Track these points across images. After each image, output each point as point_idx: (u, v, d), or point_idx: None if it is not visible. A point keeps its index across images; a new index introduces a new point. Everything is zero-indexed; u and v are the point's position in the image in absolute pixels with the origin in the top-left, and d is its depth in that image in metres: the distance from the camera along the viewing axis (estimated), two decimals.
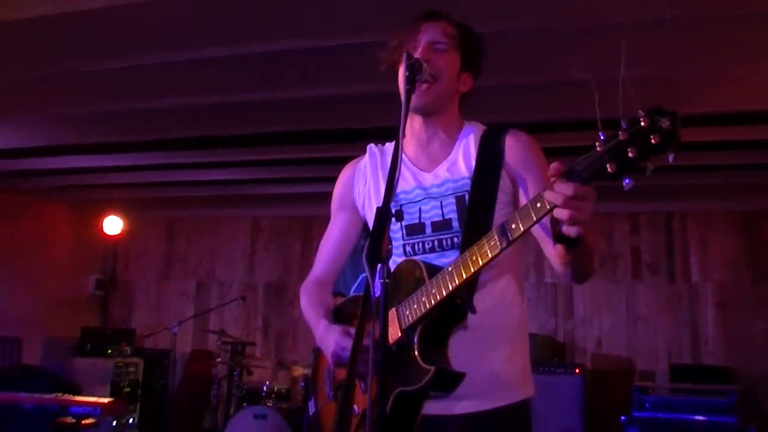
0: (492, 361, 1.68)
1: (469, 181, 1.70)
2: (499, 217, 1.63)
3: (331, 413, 1.79)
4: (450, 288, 1.50)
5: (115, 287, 8.71)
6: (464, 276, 1.48)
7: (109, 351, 7.31)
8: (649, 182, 5.91)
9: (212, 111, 4.71)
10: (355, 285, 4.64)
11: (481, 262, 1.45)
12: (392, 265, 1.67)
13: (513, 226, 1.39)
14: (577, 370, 5.67)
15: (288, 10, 3.30)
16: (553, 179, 1.28)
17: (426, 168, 1.78)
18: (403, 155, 1.76)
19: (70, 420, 4.21)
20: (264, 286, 8.12)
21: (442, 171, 1.75)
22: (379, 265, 1.37)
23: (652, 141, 1.14)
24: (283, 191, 7.12)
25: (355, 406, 1.67)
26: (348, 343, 1.64)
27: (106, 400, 4.42)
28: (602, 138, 1.22)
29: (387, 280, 1.39)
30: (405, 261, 1.70)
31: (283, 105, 4.53)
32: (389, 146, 1.92)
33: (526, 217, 1.36)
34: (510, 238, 1.40)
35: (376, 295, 1.39)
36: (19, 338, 7.03)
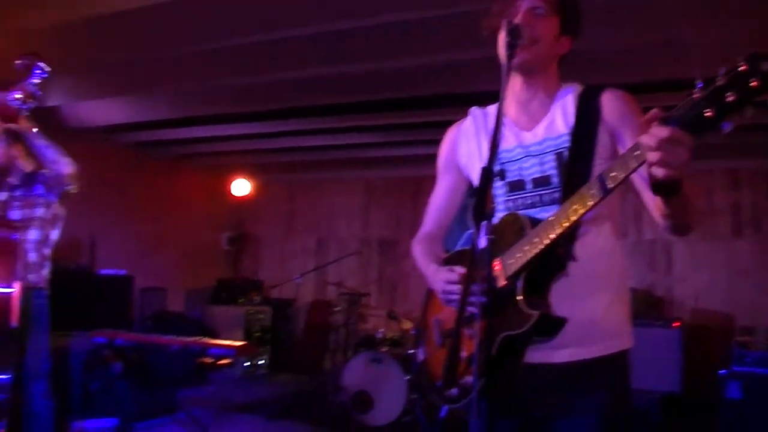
0: (592, 309, 1.66)
1: (568, 138, 1.70)
2: (598, 171, 1.57)
3: (439, 359, 1.78)
4: (551, 237, 1.51)
5: (244, 243, 9.28)
6: (564, 225, 1.49)
7: (241, 300, 7.80)
8: (750, 138, 5.61)
9: (328, 81, 4.95)
10: (462, 241, 4.61)
11: (580, 212, 1.46)
12: (496, 220, 1.66)
13: (612, 174, 1.40)
14: (675, 324, 5.49)
15: None
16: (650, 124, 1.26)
17: (526, 127, 1.78)
18: (504, 116, 1.75)
19: (209, 360, 4.61)
20: (377, 241, 8.37)
21: (541, 129, 1.75)
22: (484, 222, 1.39)
23: (752, 84, 1.11)
24: (394, 154, 7.29)
25: (463, 352, 1.66)
26: (455, 278, 1.68)
27: (239, 343, 4.52)
28: (699, 85, 1.19)
29: (492, 236, 1.39)
30: (508, 214, 1.70)
31: (392, 74, 4.70)
32: (491, 108, 1.93)
33: (624, 166, 1.37)
34: (608, 187, 1.40)
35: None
36: (164, 288, 7.70)
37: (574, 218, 1.48)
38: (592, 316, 1.66)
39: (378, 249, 8.35)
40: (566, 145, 1.69)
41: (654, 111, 1.27)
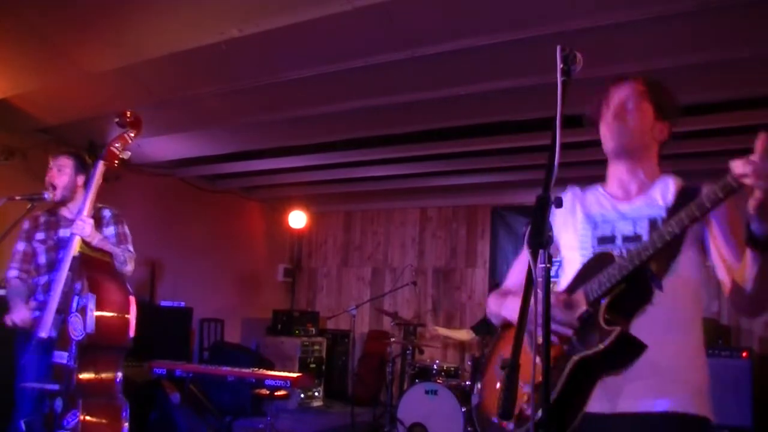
0: (669, 356, 1.63)
1: (664, 210, 1.74)
2: (685, 247, 1.67)
3: (495, 396, 1.76)
4: (642, 258, 1.56)
5: (300, 274, 9.39)
6: (659, 244, 1.54)
7: (297, 331, 7.86)
8: None
9: (383, 112, 5.03)
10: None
11: (677, 231, 1.53)
12: (584, 260, 1.78)
13: (704, 200, 1.49)
14: (744, 354, 5.27)
15: (456, 14, 3.50)
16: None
17: (624, 200, 1.86)
18: (603, 191, 1.91)
19: (265, 391, 4.44)
20: (433, 271, 8.34)
21: (640, 201, 1.82)
22: (541, 251, 1.39)
23: None
24: (448, 183, 7.30)
25: (524, 385, 1.64)
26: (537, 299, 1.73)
27: (295, 374, 4.46)
28: None
29: (548, 265, 1.40)
30: (598, 252, 1.77)
31: (446, 103, 4.73)
32: (587, 191, 2.00)
33: (713, 193, 1.47)
34: (695, 214, 1.49)
35: (538, 278, 1.40)
36: (221, 319, 7.87)
37: (668, 238, 1.54)
38: (669, 363, 1.62)
39: (433, 279, 8.33)
40: (662, 215, 1.73)
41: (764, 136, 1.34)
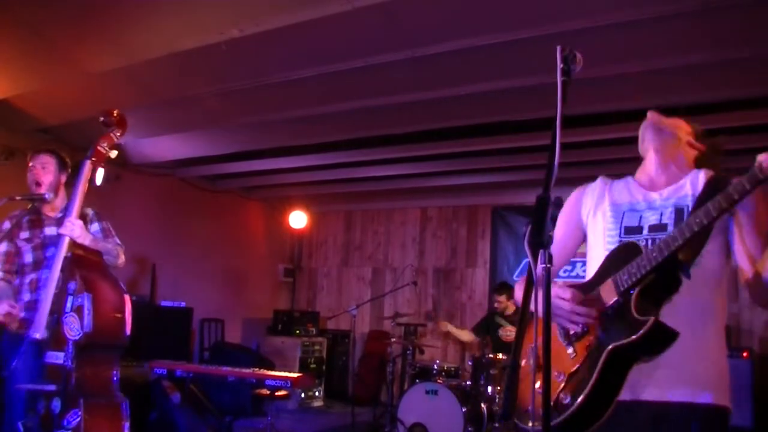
0: (692, 347, 1.65)
1: (692, 199, 1.78)
2: (711, 238, 1.69)
3: (528, 385, 1.79)
4: (673, 247, 1.59)
5: (301, 274, 9.40)
6: (687, 234, 1.57)
7: (297, 331, 7.86)
8: None
9: (381, 112, 5.03)
10: (518, 270, 4.49)
11: (705, 221, 1.55)
12: (611, 248, 1.82)
13: (731, 191, 1.51)
14: (745, 354, 5.31)
15: (456, 14, 3.50)
16: None
17: (653, 189, 1.91)
18: (633, 181, 1.97)
19: (266, 391, 4.48)
20: (433, 271, 8.34)
21: (669, 191, 1.87)
22: (541, 251, 1.40)
23: None
24: (448, 183, 7.31)
25: (559, 374, 1.72)
26: (567, 295, 1.74)
27: (295, 374, 4.46)
28: None
29: (549, 265, 1.40)
30: (623, 242, 1.80)
31: (446, 103, 4.73)
32: (617, 181, 2.04)
33: (741, 184, 1.50)
34: (735, 198, 1.52)
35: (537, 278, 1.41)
36: (222, 319, 7.88)
37: (696, 229, 1.56)
38: (691, 354, 1.66)
39: (433, 279, 8.33)
40: (688, 203, 1.78)
41: None
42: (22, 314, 3.12)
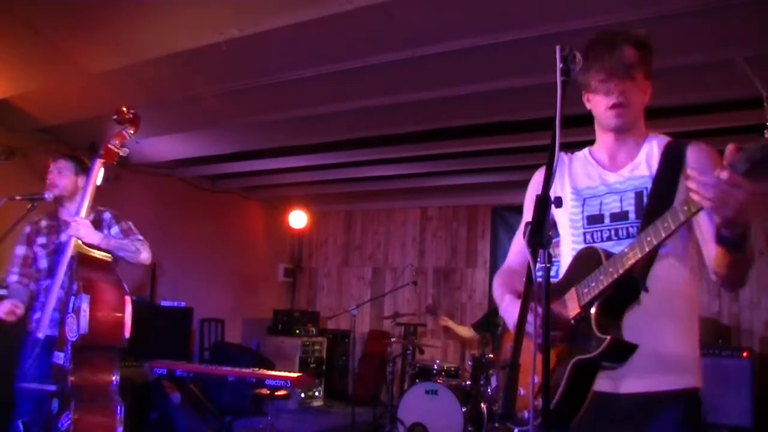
0: (662, 341, 1.69)
1: (649, 180, 1.77)
2: (668, 243, 1.67)
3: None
4: (627, 266, 1.58)
5: (301, 274, 9.40)
6: (638, 255, 1.56)
7: (297, 331, 7.86)
8: None
9: (381, 112, 5.03)
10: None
11: (654, 242, 1.54)
12: (573, 252, 1.82)
13: (685, 208, 1.47)
14: (744, 354, 5.28)
15: (456, 14, 3.51)
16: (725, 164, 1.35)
17: (611, 169, 1.88)
18: (591, 158, 1.93)
19: (265, 391, 4.53)
20: (433, 271, 8.34)
21: (626, 172, 1.84)
22: (541, 251, 1.41)
23: None
24: (448, 183, 7.31)
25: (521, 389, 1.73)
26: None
27: (295, 374, 4.48)
28: None
29: (548, 265, 1.41)
30: (585, 248, 1.79)
31: (446, 103, 4.73)
32: (578, 154, 2.01)
33: (686, 204, 1.46)
34: (681, 219, 1.48)
35: (538, 279, 1.42)
36: (222, 319, 7.88)
37: (648, 248, 1.55)
38: (661, 348, 1.69)
39: (433, 279, 8.33)
40: (647, 185, 1.78)
41: (731, 148, 1.35)
42: (36, 315, 3.14)
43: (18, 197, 3.32)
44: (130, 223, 3.43)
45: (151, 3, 3.65)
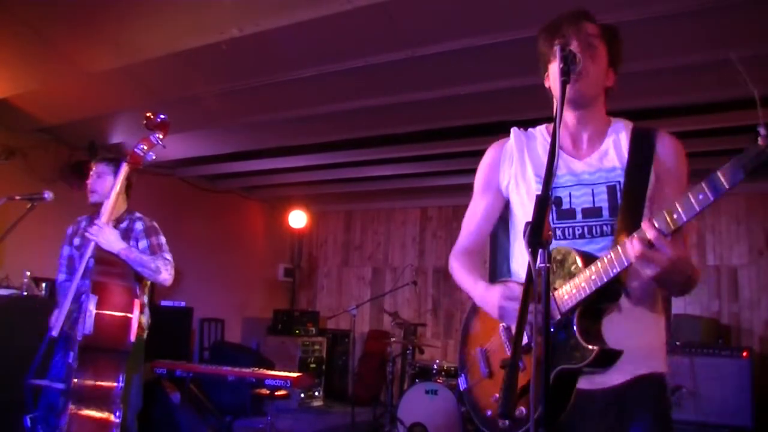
0: (636, 336, 1.68)
1: (622, 173, 1.71)
2: (647, 211, 1.65)
3: (485, 390, 1.81)
4: (611, 274, 1.52)
5: (301, 274, 9.40)
6: (618, 269, 1.50)
7: (297, 331, 7.85)
8: None
9: (381, 112, 5.03)
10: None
11: (619, 269, 1.50)
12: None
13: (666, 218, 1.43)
14: (744, 353, 5.25)
15: (456, 14, 3.51)
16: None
17: (576, 156, 1.79)
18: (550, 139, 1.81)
19: (265, 391, 4.55)
20: (433, 271, 8.33)
21: (594, 160, 1.76)
22: (541, 250, 1.37)
23: None
24: (448, 183, 7.31)
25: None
26: (514, 294, 1.68)
27: (295, 374, 4.45)
28: (763, 133, 1.23)
29: (549, 265, 1.38)
30: (556, 249, 1.68)
31: (446, 103, 4.74)
32: (533, 131, 1.95)
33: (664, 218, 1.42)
34: (666, 233, 1.43)
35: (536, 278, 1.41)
36: (222, 319, 7.89)
37: (619, 270, 1.51)
38: (638, 343, 1.68)
39: (433, 278, 8.32)
40: (619, 179, 1.71)
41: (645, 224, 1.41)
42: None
43: (18, 197, 3.32)
44: (162, 239, 3.41)
45: (151, 3, 3.65)
